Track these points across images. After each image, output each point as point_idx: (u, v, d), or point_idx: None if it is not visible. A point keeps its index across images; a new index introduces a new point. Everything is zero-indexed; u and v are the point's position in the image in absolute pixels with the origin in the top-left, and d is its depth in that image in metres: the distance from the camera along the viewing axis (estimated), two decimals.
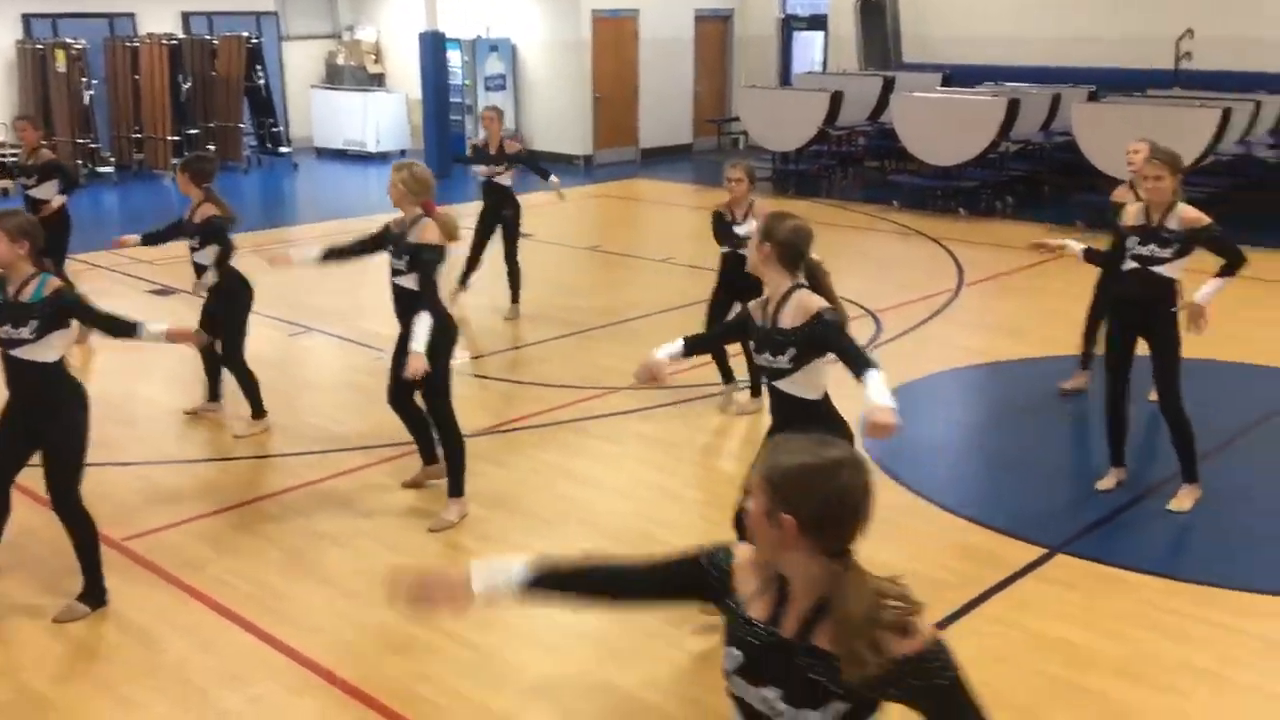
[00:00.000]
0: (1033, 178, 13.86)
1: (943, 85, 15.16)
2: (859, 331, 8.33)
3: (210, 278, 6.40)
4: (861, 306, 9.04)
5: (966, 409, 7.28)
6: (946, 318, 8.82)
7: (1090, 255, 5.81)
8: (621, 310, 9.13)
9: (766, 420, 6.69)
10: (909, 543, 5.13)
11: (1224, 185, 12.35)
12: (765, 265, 3.99)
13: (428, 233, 5.24)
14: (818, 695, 1.99)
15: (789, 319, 3.90)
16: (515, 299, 9.05)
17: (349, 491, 5.74)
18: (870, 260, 11.02)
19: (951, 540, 5.16)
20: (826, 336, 3.85)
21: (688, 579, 2.18)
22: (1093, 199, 12.21)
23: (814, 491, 1.96)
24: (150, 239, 6.83)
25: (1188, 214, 5.27)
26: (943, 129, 12.96)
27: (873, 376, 3.74)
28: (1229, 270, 5.34)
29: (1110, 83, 13.95)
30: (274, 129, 17.35)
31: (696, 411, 6.85)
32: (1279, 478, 5.90)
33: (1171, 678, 4.08)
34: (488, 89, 17.44)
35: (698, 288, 9.61)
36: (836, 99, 14.18)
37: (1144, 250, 5.31)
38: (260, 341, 8.37)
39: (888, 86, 14.86)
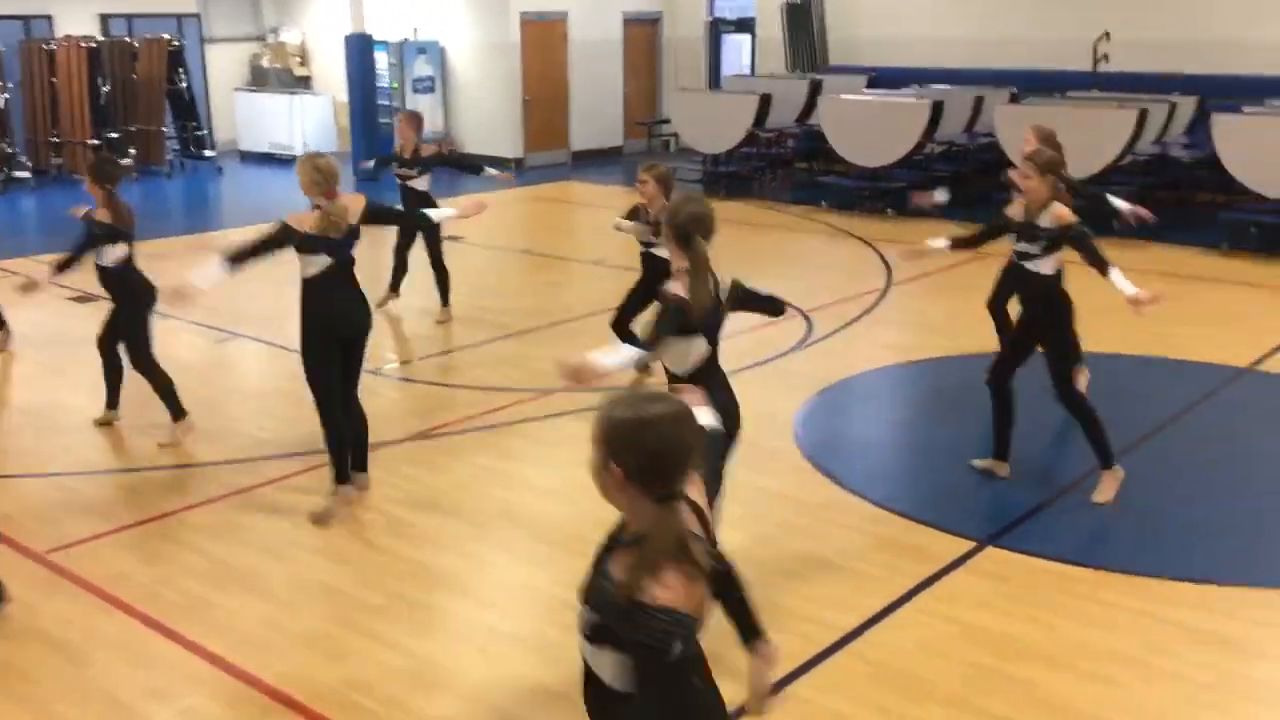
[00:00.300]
0: (958, 178, 14.08)
1: (868, 87, 15.35)
2: (792, 332, 8.43)
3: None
4: (793, 306, 9.11)
5: (895, 406, 7.38)
6: (875, 317, 8.94)
7: (957, 243, 6.07)
8: (555, 312, 9.11)
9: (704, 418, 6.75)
10: (839, 538, 5.19)
11: (1142, 184, 12.68)
12: (667, 243, 4.25)
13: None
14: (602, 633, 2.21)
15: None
16: (445, 301, 8.99)
17: (278, 499, 5.65)
18: (800, 261, 11.12)
19: (881, 535, 5.22)
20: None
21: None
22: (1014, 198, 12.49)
23: (638, 444, 2.21)
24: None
25: (1060, 212, 5.44)
26: (869, 131, 13.12)
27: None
28: (1100, 269, 5.39)
29: (1031, 84, 14.24)
30: (198, 132, 17.04)
31: None
32: (1199, 469, 6.06)
33: (1100, 666, 4.17)
34: (416, 91, 17.31)
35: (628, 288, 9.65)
36: (765, 101, 14.29)
37: (1019, 246, 5.58)
38: (184, 348, 8.23)
39: (815, 89, 15.01)
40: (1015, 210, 5.65)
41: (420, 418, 6.79)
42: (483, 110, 17.55)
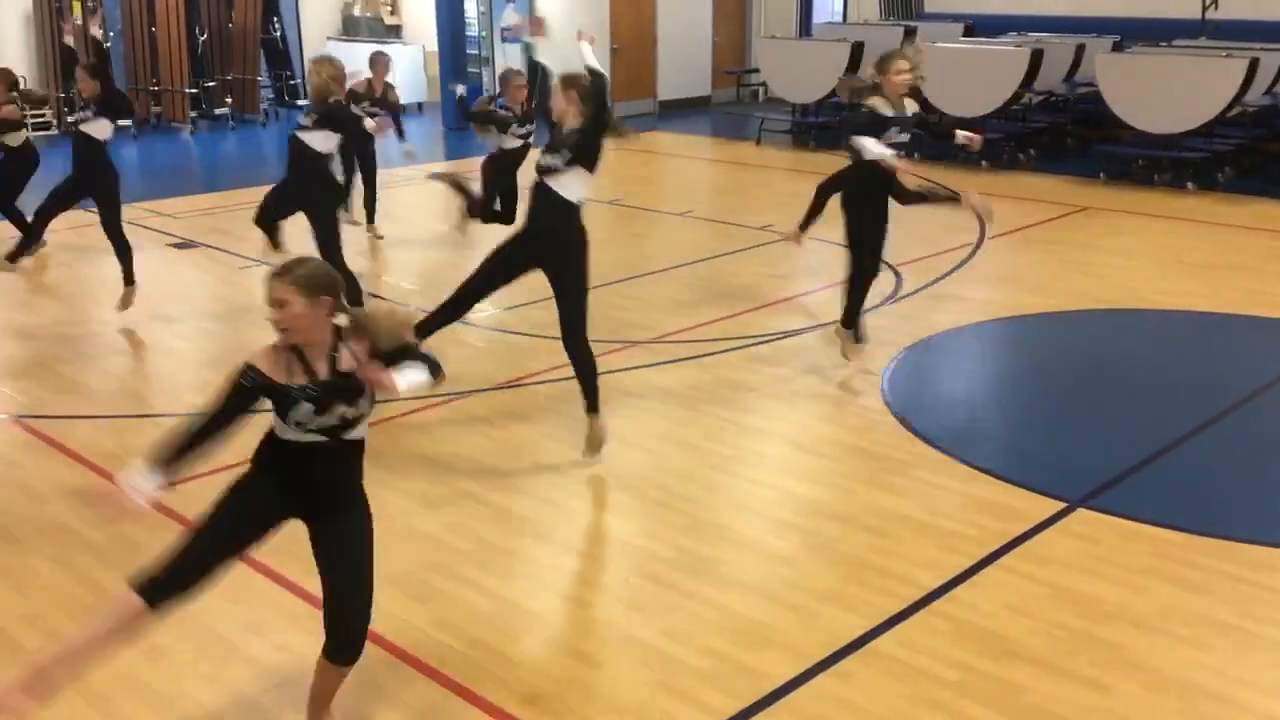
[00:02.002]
0: (1056, 129, 13.69)
1: (965, 35, 14.95)
2: (881, 288, 8.31)
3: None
4: (882, 260, 8.97)
5: (986, 363, 7.26)
6: (967, 272, 8.77)
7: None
8: (640, 264, 9.11)
9: (792, 372, 6.72)
10: (926, 496, 5.15)
11: (1251, 136, 12.20)
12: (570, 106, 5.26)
13: None
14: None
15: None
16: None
17: (371, 443, 5.76)
18: (892, 215, 10.91)
19: (971, 494, 5.16)
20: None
21: (246, 401, 3.27)
22: (1115, 150, 12.11)
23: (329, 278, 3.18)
24: None
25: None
26: (965, 80, 12.79)
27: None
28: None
29: (1135, 33, 13.74)
30: (291, 82, 17.28)
31: (714, 364, 6.85)
32: None
33: (1191, 630, 4.09)
34: (504, 41, 17.31)
35: (717, 241, 9.61)
36: (857, 50, 14.01)
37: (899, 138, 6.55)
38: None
39: (909, 37, 14.66)
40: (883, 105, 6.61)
41: (508, 367, 6.86)
42: (571, 60, 17.44)
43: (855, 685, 3.81)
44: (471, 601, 4.33)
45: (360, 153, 9.81)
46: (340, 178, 7.44)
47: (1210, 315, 7.61)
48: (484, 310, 8.08)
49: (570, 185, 5.36)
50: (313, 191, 7.12)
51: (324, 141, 7.09)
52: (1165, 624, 4.12)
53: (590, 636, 4.12)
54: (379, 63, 10.12)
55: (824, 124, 14.86)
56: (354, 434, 3.39)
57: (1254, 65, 11.02)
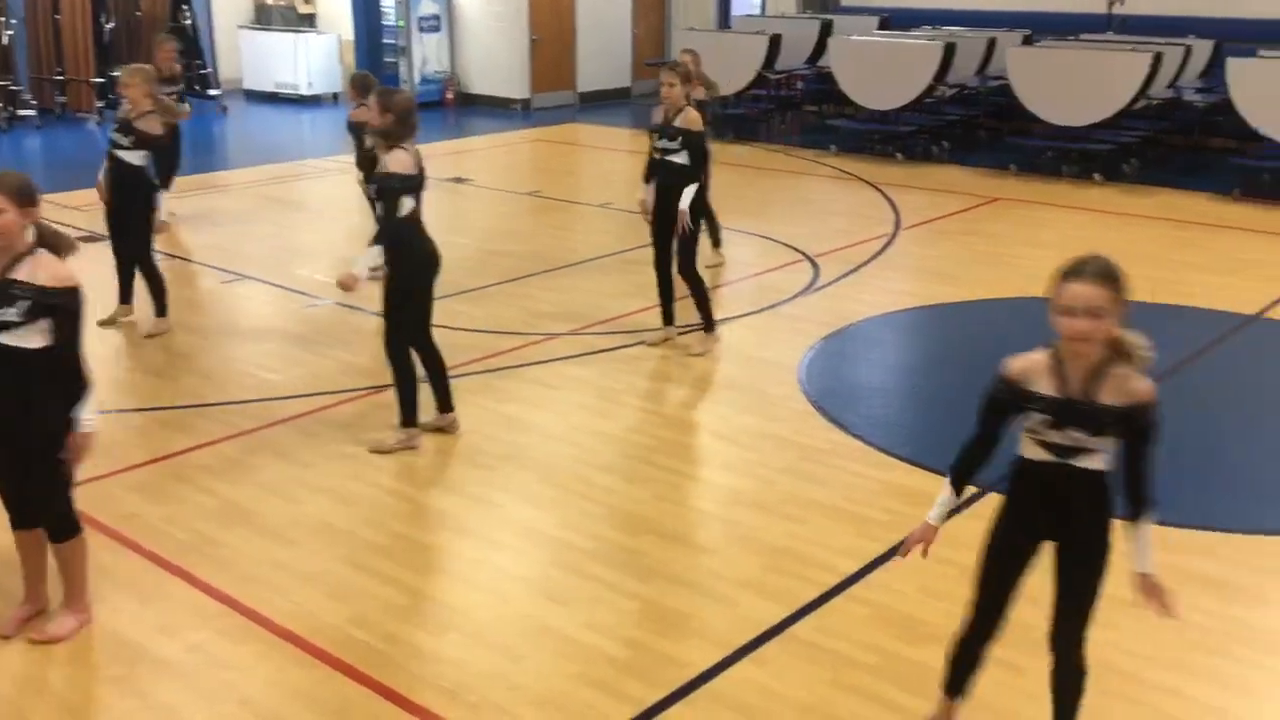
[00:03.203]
0: (968, 122, 13.95)
1: (880, 29, 15.15)
2: (799, 278, 8.40)
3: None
4: (800, 251, 9.08)
5: (901, 351, 7.37)
6: (883, 262, 8.90)
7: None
8: (561, 256, 9.08)
9: (710, 362, 6.76)
10: (843, 483, 5.21)
11: (1155, 129, 12.55)
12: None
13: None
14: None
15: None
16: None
17: (285, 440, 5.68)
18: (808, 205, 11.05)
19: (887, 480, 5.24)
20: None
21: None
22: (1027, 143, 12.37)
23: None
24: None
25: (691, 118, 6.62)
26: (880, 73, 12.97)
27: None
28: (690, 178, 6.63)
29: (1044, 27, 14.05)
30: (202, 71, 16.89)
31: (635, 356, 6.86)
32: (1207, 416, 6.04)
33: (1100, 611, 4.17)
34: (422, 30, 17.12)
35: (637, 233, 9.60)
36: (775, 42, 14.12)
37: (659, 144, 6.70)
38: (196, 291, 8.24)
39: (825, 30, 14.83)
40: (657, 115, 6.77)
41: None
42: (489, 50, 17.38)
43: (775, 671, 3.85)
44: (389, 597, 4.28)
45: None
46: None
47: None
48: None
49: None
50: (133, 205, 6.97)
51: (141, 158, 6.94)
52: None
53: (510, 630, 4.10)
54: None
55: (743, 115, 14.96)
56: None
57: (1158, 59, 11.34)
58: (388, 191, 5.26)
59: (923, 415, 6.29)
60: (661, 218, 6.80)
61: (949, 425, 6.01)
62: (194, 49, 16.68)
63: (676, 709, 3.65)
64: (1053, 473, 3.06)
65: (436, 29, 17.36)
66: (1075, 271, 2.94)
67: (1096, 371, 2.96)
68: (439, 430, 5.71)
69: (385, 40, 17.08)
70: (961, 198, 10.98)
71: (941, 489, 3.30)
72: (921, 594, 4.31)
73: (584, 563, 4.54)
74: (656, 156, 6.76)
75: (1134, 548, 3.08)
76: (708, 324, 6.93)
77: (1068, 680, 3.27)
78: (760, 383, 6.50)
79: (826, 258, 8.87)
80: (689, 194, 6.64)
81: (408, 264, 5.34)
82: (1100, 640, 4.01)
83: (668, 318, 7.03)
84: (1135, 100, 11.48)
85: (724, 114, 14.97)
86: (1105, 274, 2.92)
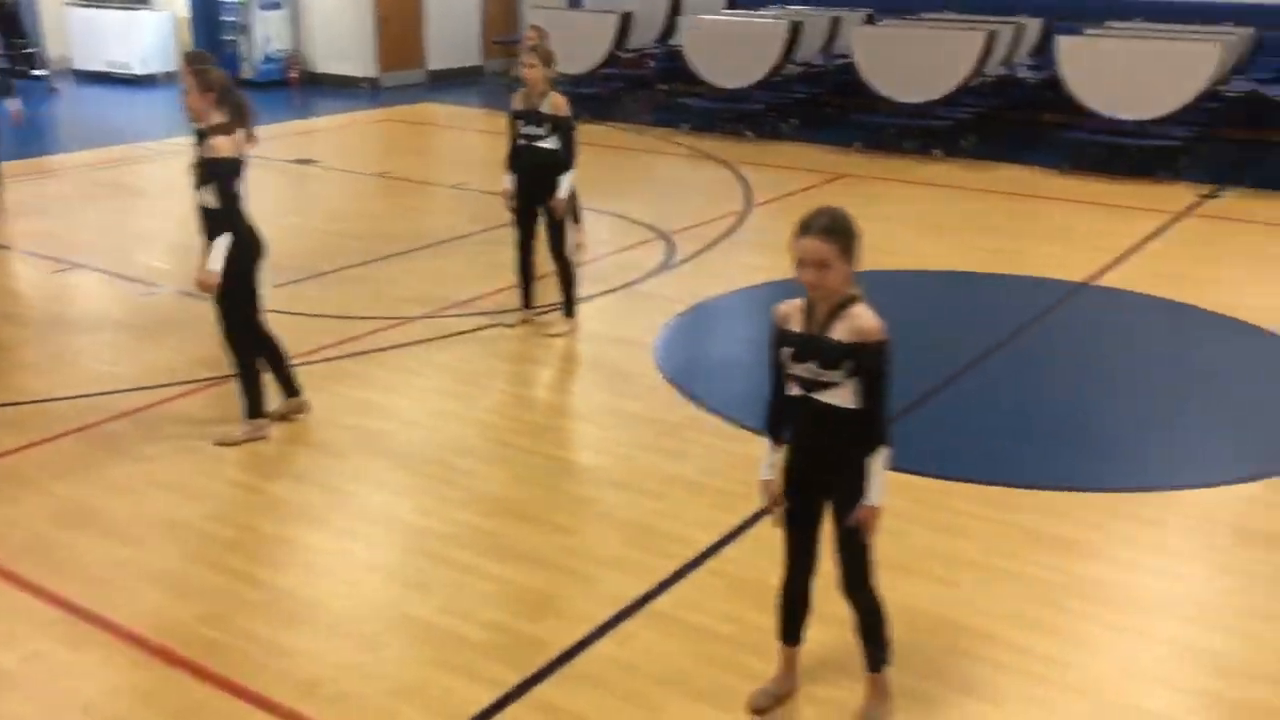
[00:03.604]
0: (815, 100, 14.23)
1: (728, 8, 15.30)
2: (653, 256, 8.45)
3: None
4: (654, 229, 9.14)
5: (755, 326, 7.46)
6: (736, 238, 9.02)
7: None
8: (414, 238, 8.93)
9: (569, 342, 6.75)
10: (699, 458, 5.28)
11: (990, 105, 13.03)
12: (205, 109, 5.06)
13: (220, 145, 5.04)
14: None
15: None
16: None
17: (125, 434, 5.45)
18: (661, 183, 11.12)
19: (743, 453, 5.33)
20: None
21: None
22: (871, 120, 12.70)
23: None
24: None
25: (557, 101, 6.55)
26: (728, 52, 13.11)
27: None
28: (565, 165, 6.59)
29: (886, 6, 14.40)
30: (26, 50, 15.99)
31: (492, 338, 6.81)
32: (1040, 381, 6.34)
33: (944, 570, 4.36)
34: (263, 8, 16.56)
35: (493, 214, 9.51)
36: (625, 20, 14.13)
37: (527, 130, 6.59)
38: (20, 281, 7.82)
39: (675, 8, 14.90)
40: (519, 99, 6.65)
41: None
42: (334, 28, 16.92)
43: (635, 647, 3.88)
44: (240, 593, 4.16)
45: None
46: None
47: (959, 274, 8.11)
48: None
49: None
50: None
51: None
52: (922, 565, 4.38)
53: (367, 619, 4.04)
54: None
55: (595, 94, 14.94)
56: None
57: (992, 37, 11.76)
58: (222, 177, 5.05)
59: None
60: (527, 202, 6.73)
61: None
62: (17, 26, 15.79)
63: (539, 689, 3.66)
64: (801, 405, 3.32)
65: (278, 5, 16.81)
66: (805, 227, 3.19)
67: (835, 312, 3.23)
68: (288, 417, 5.57)
69: (224, 17, 16.46)
70: (810, 174, 11.21)
71: (765, 446, 3.49)
72: (777, 563, 4.38)
73: (443, 548, 4.50)
74: (522, 143, 6.65)
75: (866, 482, 3.31)
76: (568, 307, 6.91)
77: (861, 621, 3.48)
78: (618, 361, 6.53)
79: (681, 235, 8.95)
80: (567, 182, 6.59)
81: (234, 250, 5.14)
82: (945, 598, 4.19)
83: (527, 300, 6.99)
84: (971, 77, 11.89)
85: (575, 93, 14.93)
86: (829, 229, 3.16)
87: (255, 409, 5.39)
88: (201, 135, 5.23)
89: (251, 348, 5.36)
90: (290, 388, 5.60)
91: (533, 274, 6.94)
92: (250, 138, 5.35)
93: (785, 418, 3.43)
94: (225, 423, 5.48)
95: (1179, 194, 10.34)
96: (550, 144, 6.57)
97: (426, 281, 7.83)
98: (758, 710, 3.58)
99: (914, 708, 3.59)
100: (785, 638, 3.63)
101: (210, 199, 5.08)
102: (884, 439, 3.28)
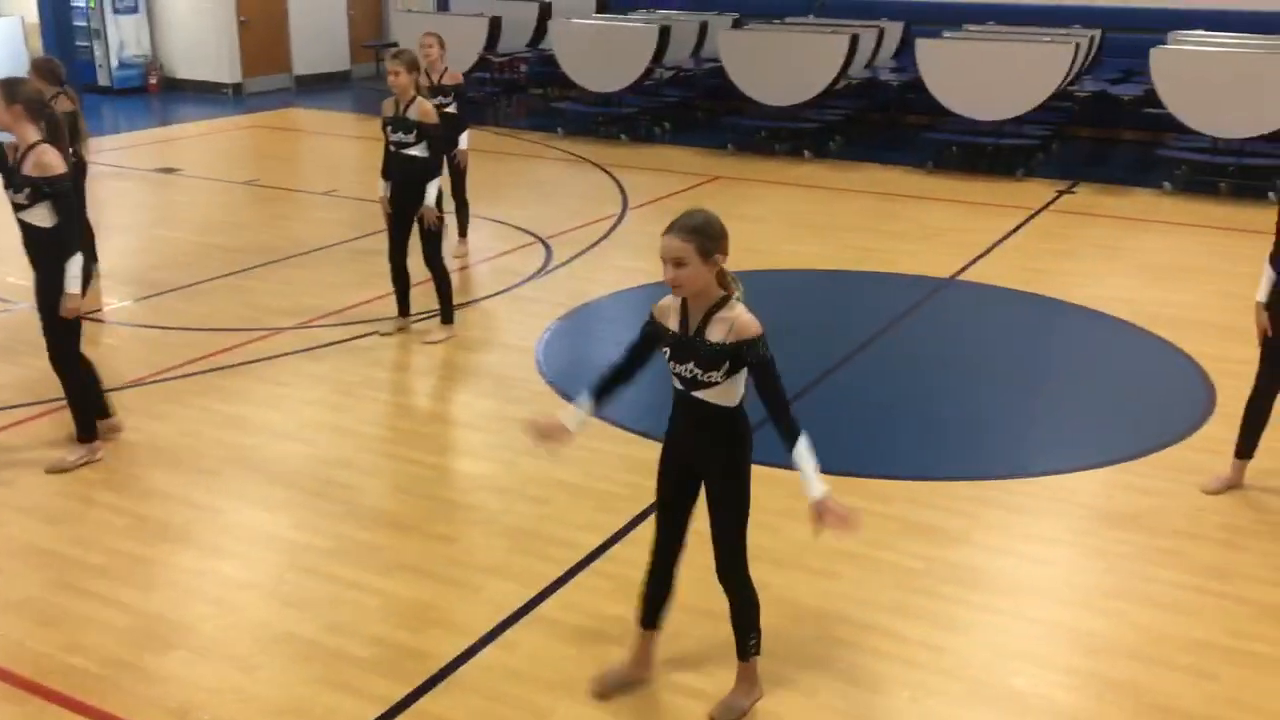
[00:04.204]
0: (687, 103, 14.37)
1: (598, 11, 15.34)
2: (532, 260, 8.43)
3: None
4: (532, 233, 9.11)
5: (634, 328, 7.50)
6: (613, 241, 9.05)
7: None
8: (284, 247, 8.72)
9: (448, 349, 6.68)
10: (582, 461, 5.27)
11: (857, 107, 13.35)
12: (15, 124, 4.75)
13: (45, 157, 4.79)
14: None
15: None
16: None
17: None
18: (538, 188, 11.09)
19: (626, 455, 5.34)
20: None
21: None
22: (742, 123, 12.88)
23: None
24: None
25: (425, 109, 6.54)
26: (599, 56, 13.15)
27: None
28: (433, 172, 6.60)
29: (752, 10, 14.63)
30: None
31: (368, 347, 6.69)
32: (910, 374, 6.51)
33: (823, 562, 4.45)
34: (117, 12, 15.97)
35: (364, 221, 9.37)
36: (495, 24, 14.06)
37: (395, 137, 6.58)
38: None
39: (545, 12, 14.88)
40: (389, 106, 6.62)
41: (140, 363, 6.38)
42: (193, 32, 16.41)
43: (521, 654, 3.86)
44: (107, 618, 4.00)
45: None
46: None
47: (830, 273, 8.29)
48: (114, 304, 7.48)
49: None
50: None
51: None
52: (801, 559, 4.46)
53: (244, 640, 3.92)
54: None
55: (469, 99, 14.80)
56: None
57: (855, 41, 12.04)
58: (61, 195, 4.80)
59: (656, 389, 6.44)
60: (399, 209, 6.67)
61: None
62: None
63: (424, 702, 3.61)
64: (681, 402, 3.45)
65: (134, 9, 16.24)
66: (668, 227, 3.27)
67: (710, 313, 3.32)
68: (106, 438, 5.34)
69: (76, 23, 15.85)
70: (684, 177, 11.32)
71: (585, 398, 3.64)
72: None
73: (322, 563, 4.40)
74: (392, 149, 6.62)
75: (801, 479, 3.38)
76: (446, 314, 6.84)
77: (733, 608, 3.55)
78: (498, 366, 6.48)
79: (559, 239, 8.94)
80: (433, 191, 6.55)
81: (55, 268, 4.90)
82: (823, 590, 4.27)
83: (403, 308, 6.90)
84: (837, 80, 12.16)
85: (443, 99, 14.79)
86: (687, 228, 3.24)
87: (89, 430, 5.18)
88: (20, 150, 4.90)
89: (80, 368, 5.16)
90: (105, 410, 5.40)
91: (408, 281, 6.85)
92: (74, 153, 5.13)
93: (613, 389, 3.61)
94: (64, 447, 5.26)
95: (1035, 191, 10.76)
96: (418, 151, 6.55)
97: (298, 291, 7.66)
98: (600, 694, 3.62)
99: (796, 698, 3.65)
100: (644, 622, 3.67)
101: (41, 217, 4.83)
102: (796, 427, 3.38)
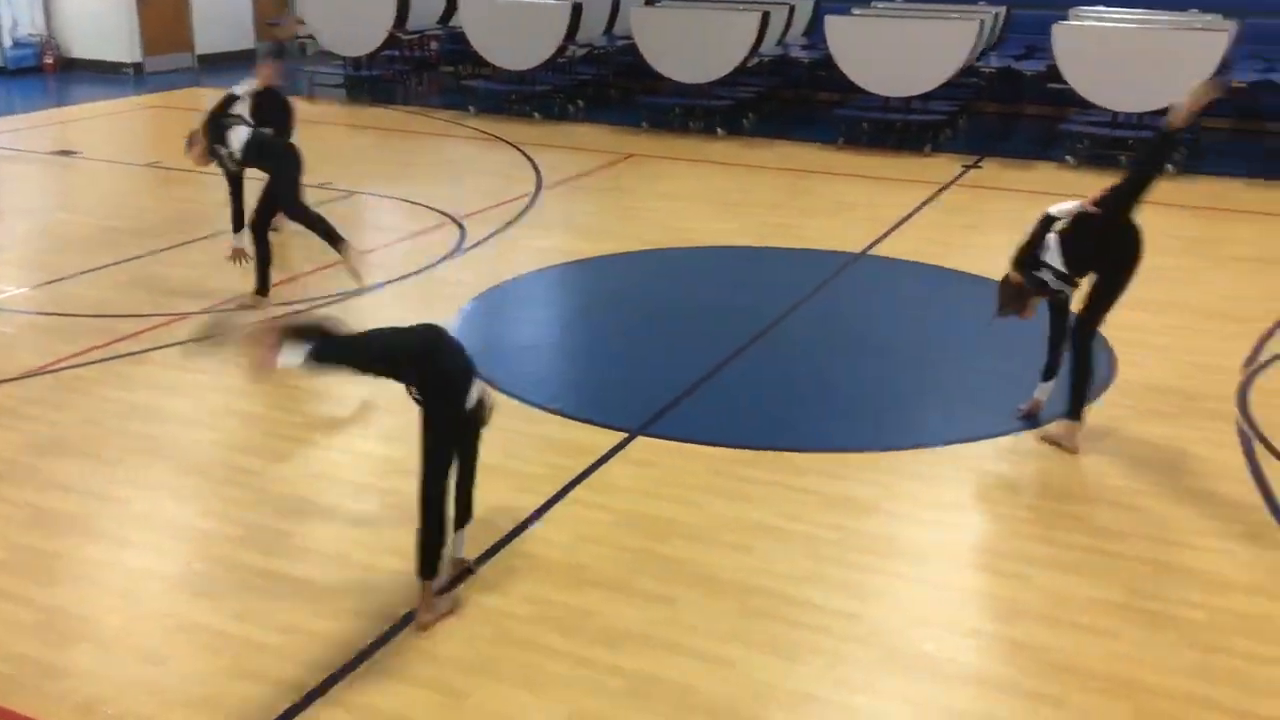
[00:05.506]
0: (601, 81, 14.31)
1: None
2: (445, 241, 8.33)
3: None
4: (445, 213, 9.01)
5: (549, 308, 7.51)
6: (528, 221, 9.00)
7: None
8: (188, 229, 8.51)
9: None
10: (498, 442, 5.21)
11: (769, 84, 13.42)
12: None
13: None
14: None
15: None
16: None
17: None
18: (451, 167, 10.98)
19: (541, 434, 5.34)
20: None
21: None
22: (656, 101, 12.88)
23: None
24: None
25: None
26: (511, 33, 13.03)
27: None
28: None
29: None
30: None
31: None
32: (823, 348, 6.59)
33: (740, 537, 4.49)
34: None
35: None
36: (404, 1, 13.83)
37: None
38: None
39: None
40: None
41: (39, 352, 6.19)
42: (89, 9, 15.88)
43: (437, 636, 3.84)
44: (9, 614, 3.89)
45: None
46: None
47: (745, 249, 8.34)
48: (9, 291, 7.24)
49: None
50: None
51: None
52: (718, 534, 4.50)
53: (152, 632, 3.84)
54: None
55: (378, 77, 14.59)
56: None
57: (766, 18, 12.09)
58: None
59: (571, 367, 6.46)
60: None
61: (595, 375, 6.25)
62: None
63: (340, 689, 3.57)
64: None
65: None
66: None
67: None
68: None
69: None
70: (598, 155, 11.29)
71: None
72: (578, 541, 4.44)
73: (232, 551, 4.33)
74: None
75: None
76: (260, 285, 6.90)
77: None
78: None
79: (473, 219, 8.86)
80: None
81: None
82: (740, 564, 4.32)
83: (262, 285, 6.91)
84: (749, 57, 12.21)
85: (355, 76, 14.56)
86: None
87: None
88: None
89: None
90: None
91: (264, 260, 6.90)
92: None
93: None
94: None
95: (944, 166, 10.94)
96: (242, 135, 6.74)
97: (205, 274, 7.48)
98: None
99: (717, 671, 3.69)
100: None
101: None
102: None
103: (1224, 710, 3.54)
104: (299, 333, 3.72)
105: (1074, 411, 5.27)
